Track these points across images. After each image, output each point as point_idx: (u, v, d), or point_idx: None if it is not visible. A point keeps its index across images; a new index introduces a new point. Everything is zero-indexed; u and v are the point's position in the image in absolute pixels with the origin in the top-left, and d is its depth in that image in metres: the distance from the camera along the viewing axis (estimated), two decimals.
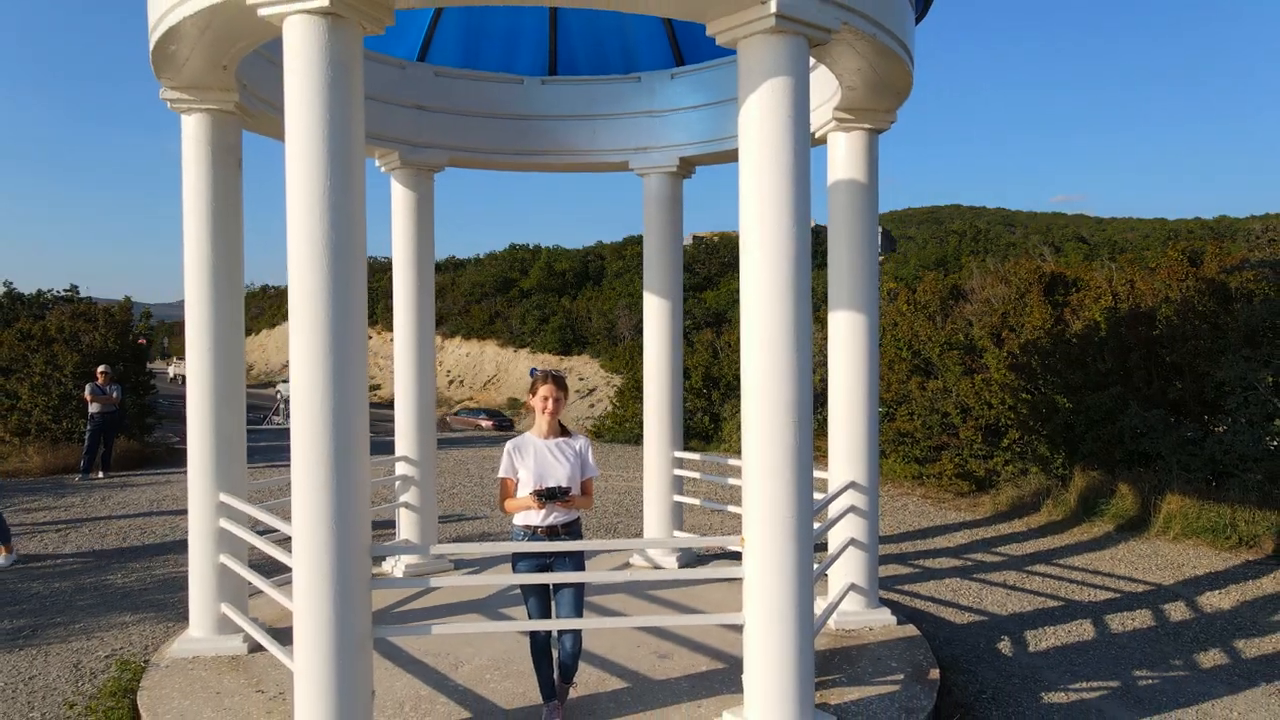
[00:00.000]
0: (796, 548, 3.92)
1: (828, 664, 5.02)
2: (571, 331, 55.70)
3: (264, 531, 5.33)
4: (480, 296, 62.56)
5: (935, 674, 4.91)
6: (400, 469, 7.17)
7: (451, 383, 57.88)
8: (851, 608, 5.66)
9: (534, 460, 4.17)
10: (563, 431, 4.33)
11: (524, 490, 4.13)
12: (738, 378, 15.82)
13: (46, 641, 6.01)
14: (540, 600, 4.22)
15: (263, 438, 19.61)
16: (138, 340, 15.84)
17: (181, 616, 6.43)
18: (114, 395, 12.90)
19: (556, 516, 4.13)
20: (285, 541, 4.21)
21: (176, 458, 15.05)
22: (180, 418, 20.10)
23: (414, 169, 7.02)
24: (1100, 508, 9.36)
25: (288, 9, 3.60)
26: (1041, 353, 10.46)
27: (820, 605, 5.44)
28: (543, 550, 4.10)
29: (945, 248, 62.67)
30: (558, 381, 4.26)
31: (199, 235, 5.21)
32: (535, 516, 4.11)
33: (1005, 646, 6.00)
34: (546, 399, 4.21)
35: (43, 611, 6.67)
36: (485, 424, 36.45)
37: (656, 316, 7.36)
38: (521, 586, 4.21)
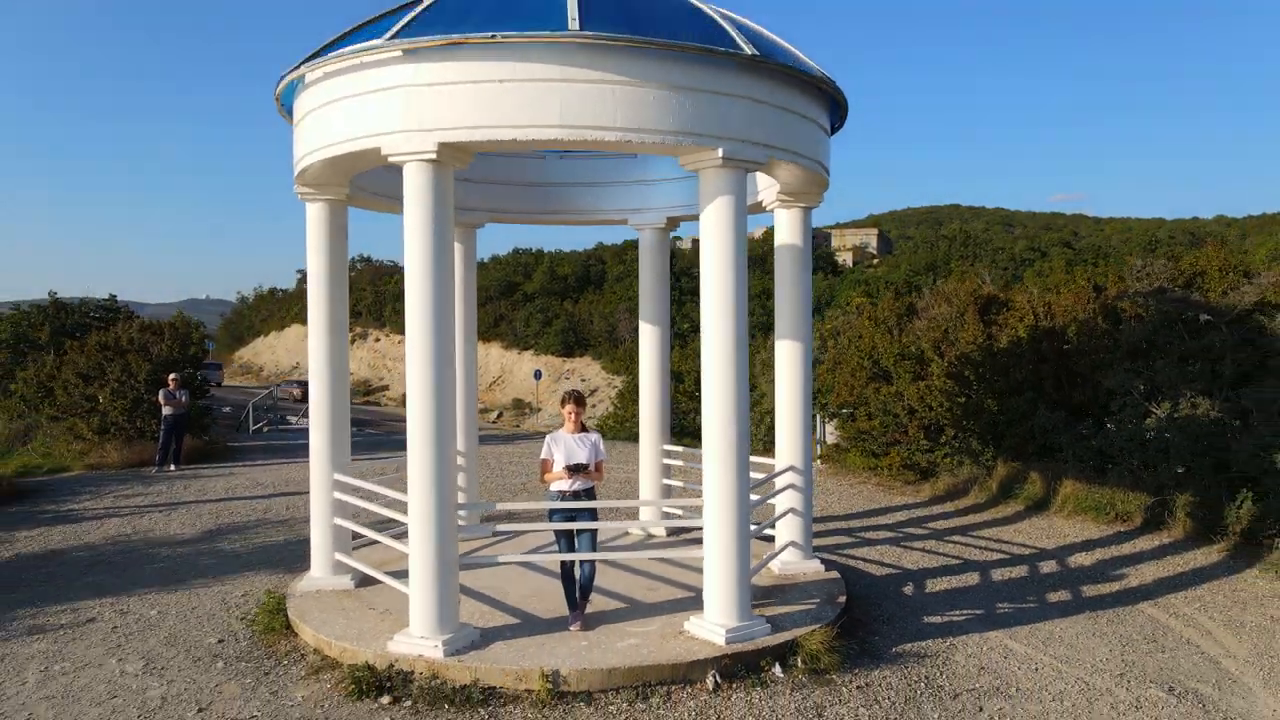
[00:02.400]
0: (737, 506, 5.95)
1: (768, 593, 7.05)
2: (574, 334, 57.70)
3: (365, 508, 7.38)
4: (485, 300, 64.49)
5: (842, 599, 6.94)
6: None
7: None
8: (790, 558, 7.69)
9: (563, 447, 6.23)
10: (583, 429, 6.37)
11: (557, 468, 6.19)
12: None
13: (192, 588, 8.05)
14: (568, 541, 6.27)
15: (298, 436, 21.63)
16: (196, 350, 17.91)
17: (286, 570, 8.49)
18: (183, 399, 14.94)
19: (579, 485, 6.19)
20: (386, 511, 6.27)
21: (232, 454, 17.11)
22: (223, 420, 21.90)
23: (462, 227, 9.06)
24: (1015, 491, 11.40)
25: (409, 158, 5.64)
26: (974, 363, 12.46)
27: (766, 554, 7.51)
28: (570, 508, 6.16)
29: (936, 252, 64.65)
30: (578, 400, 6.35)
31: (319, 288, 7.26)
32: (565, 484, 6.17)
33: (908, 590, 8.03)
34: (571, 411, 6.29)
35: (179, 569, 8.71)
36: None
37: (650, 338, 9.40)
38: (555, 532, 6.26)
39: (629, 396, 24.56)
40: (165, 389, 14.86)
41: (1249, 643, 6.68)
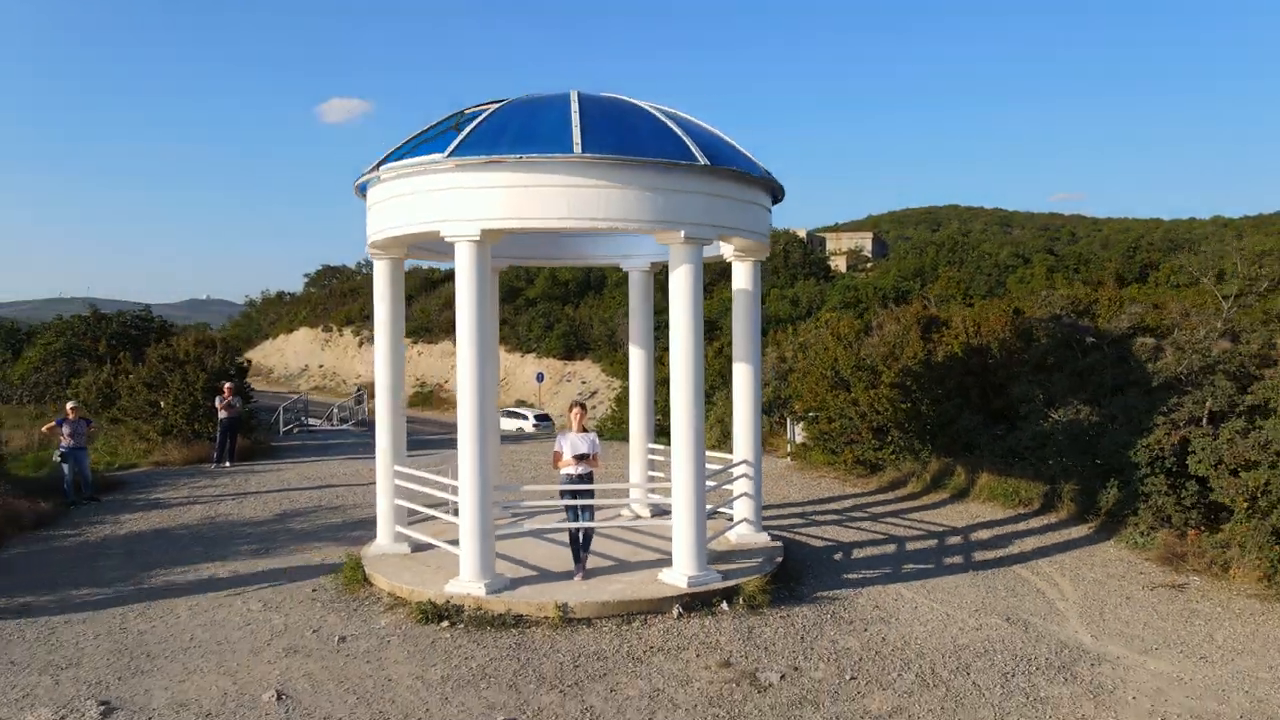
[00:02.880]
0: (695, 488, 8.21)
1: (724, 557, 9.30)
2: (575, 338, 59.87)
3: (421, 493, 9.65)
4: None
5: (779, 560, 9.21)
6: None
7: None
8: (744, 531, 9.95)
9: (569, 442, 8.50)
10: (584, 429, 8.65)
11: (566, 457, 8.46)
12: (712, 386, 20.01)
13: (278, 556, 10.32)
14: (574, 514, 8.55)
15: (329, 436, 23.90)
16: (242, 363, 20.16)
17: (347, 543, 10.73)
18: (236, 405, 17.21)
19: (582, 469, 8.46)
20: (438, 494, 8.55)
21: (275, 452, 19.37)
22: (265, 425, 24.02)
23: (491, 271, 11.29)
24: (944, 482, 13.66)
25: (460, 239, 7.90)
26: (915, 374, 14.70)
27: (725, 528, 9.79)
28: (575, 489, 8.44)
29: (924, 258, 66.83)
30: (582, 406, 8.65)
31: (384, 323, 9.56)
32: (573, 469, 8.44)
33: (838, 556, 10.29)
34: (577, 414, 8.59)
35: (264, 542, 10.98)
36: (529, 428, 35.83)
37: (638, 359, 11.67)
38: (566, 506, 8.54)
39: (624, 403, 26.82)
40: (221, 396, 17.12)
41: (1081, 591, 8.95)
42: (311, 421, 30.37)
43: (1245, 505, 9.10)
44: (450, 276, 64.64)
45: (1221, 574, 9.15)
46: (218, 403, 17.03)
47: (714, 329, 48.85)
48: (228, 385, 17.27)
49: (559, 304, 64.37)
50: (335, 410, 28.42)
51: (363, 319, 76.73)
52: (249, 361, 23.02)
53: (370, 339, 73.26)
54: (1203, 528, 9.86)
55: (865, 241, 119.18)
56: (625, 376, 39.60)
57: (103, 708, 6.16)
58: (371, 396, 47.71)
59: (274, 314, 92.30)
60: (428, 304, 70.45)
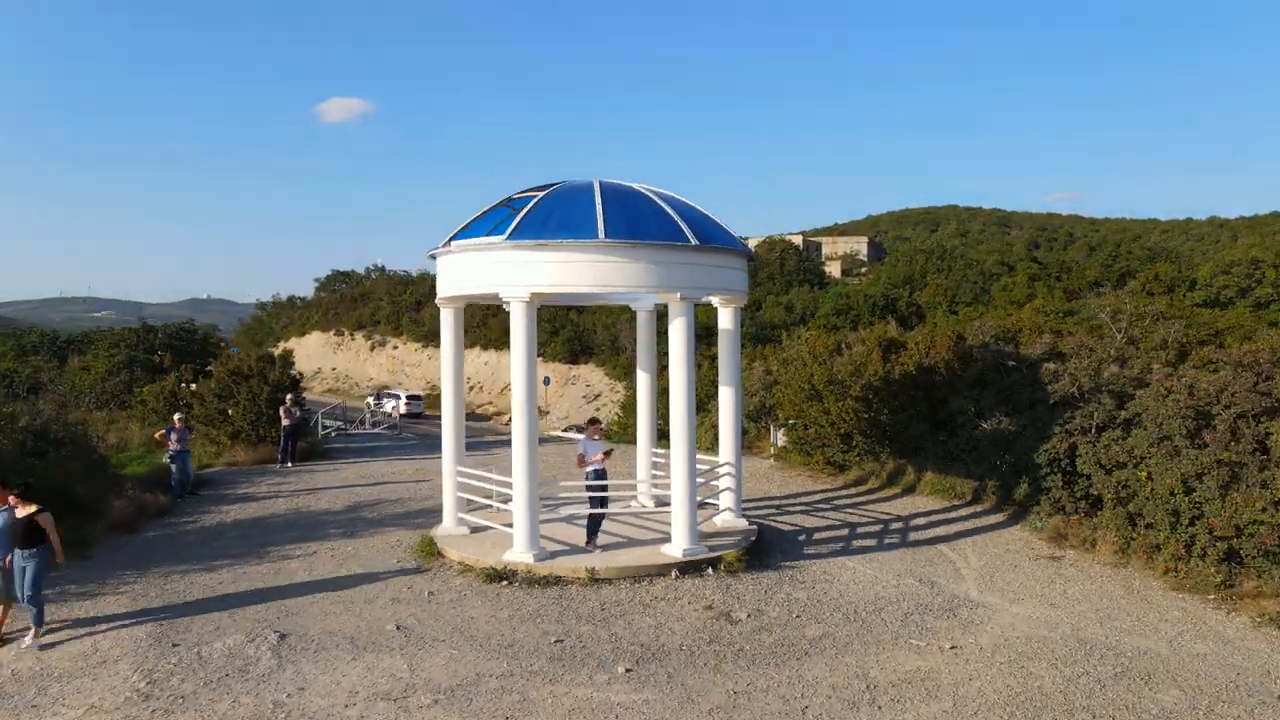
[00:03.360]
0: (688, 483, 11.02)
1: (711, 536, 12.10)
2: (579, 343, 62.67)
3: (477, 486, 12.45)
4: (496, 310, 69.43)
5: (754, 539, 12.03)
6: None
7: (472, 389, 64.86)
8: (727, 518, 12.76)
9: (590, 445, 11.34)
10: (600, 435, 11.49)
11: (590, 456, 11.29)
12: (707, 395, 22.87)
13: (362, 536, 13.12)
14: (596, 500, 11.38)
15: (366, 440, 26.69)
16: (296, 375, 22.98)
17: (414, 528, 13.51)
18: (296, 414, 20.02)
19: (599, 467, 11.29)
20: (493, 488, 11.38)
21: (328, 454, 22.16)
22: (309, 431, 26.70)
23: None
24: (897, 480, 16.46)
25: (514, 298, 10.70)
26: (876, 389, 17.47)
27: (713, 514, 12.61)
28: (595, 484, 11.28)
29: (914, 266, 69.59)
30: (596, 422, 11.50)
31: (449, 357, 12.36)
32: (597, 465, 11.27)
33: (801, 538, 13.09)
34: (595, 429, 11.44)
35: (347, 527, 13.79)
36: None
37: (644, 382, 14.47)
38: (589, 494, 11.39)
39: (630, 410, 29.59)
40: (284, 405, 19.93)
41: (983, 561, 11.74)
42: (345, 425, 33.16)
43: (1112, 497, 11.89)
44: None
45: (1090, 549, 11.96)
46: (281, 411, 19.83)
47: (710, 334, 51.87)
48: (289, 396, 20.09)
49: (563, 310, 67.14)
50: (367, 415, 31.14)
51: (373, 323, 79.66)
52: (301, 374, 25.80)
53: (381, 343, 76.33)
54: (1085, 514, 12.66)
55: (861, 245, 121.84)
56: (624, 379, 42.31)
57: (278, 635, 8.95)
58: (387, 398, 50.53)
59: (286, 317, 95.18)
60: (436, 309, 73.32)
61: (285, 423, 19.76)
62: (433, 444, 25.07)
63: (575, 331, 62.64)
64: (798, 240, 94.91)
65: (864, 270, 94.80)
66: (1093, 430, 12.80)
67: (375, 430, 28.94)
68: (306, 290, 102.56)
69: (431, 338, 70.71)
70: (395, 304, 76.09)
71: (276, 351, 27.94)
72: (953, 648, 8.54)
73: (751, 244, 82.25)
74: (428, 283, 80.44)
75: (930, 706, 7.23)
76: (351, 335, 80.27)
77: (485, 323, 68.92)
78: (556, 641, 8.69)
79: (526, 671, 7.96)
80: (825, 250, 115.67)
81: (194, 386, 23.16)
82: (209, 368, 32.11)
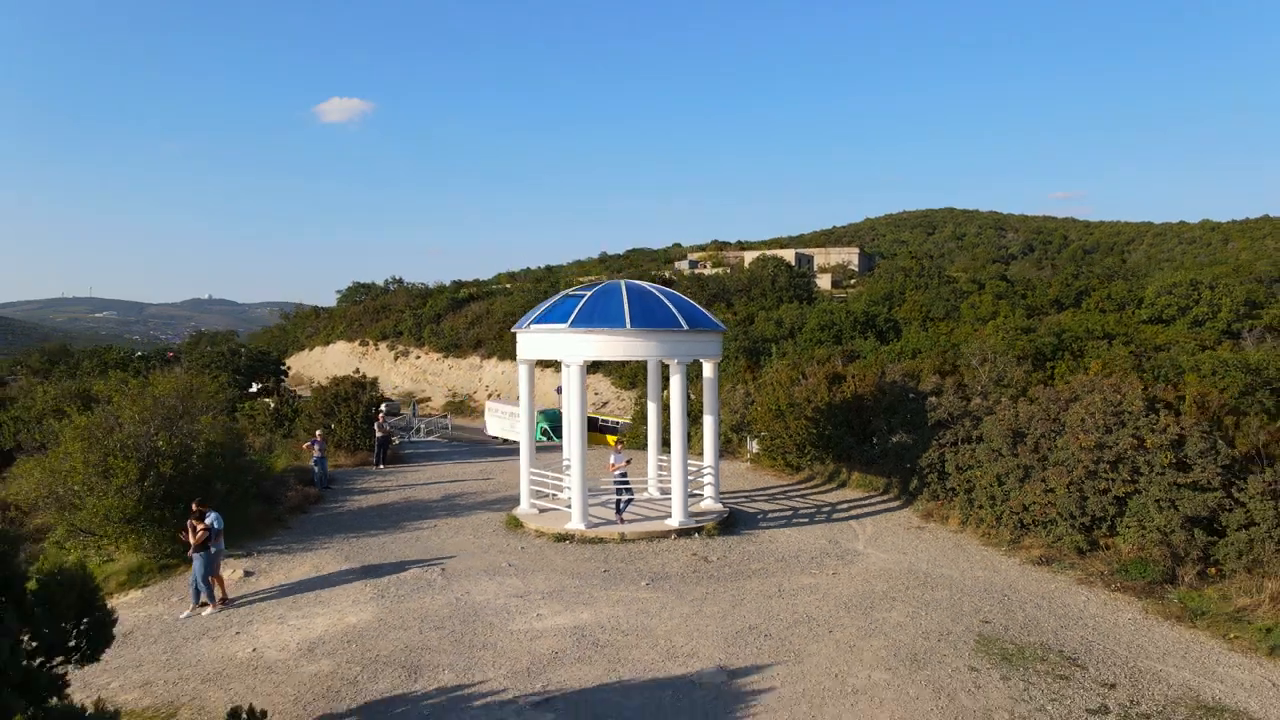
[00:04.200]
0: (682, 480, 17.32)
1: (697, 514, 18.38)
2: None
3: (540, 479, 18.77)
4: (511, 324, 75.72)
5: (726, 516, 18.35)
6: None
7: (490, 395, 71.11)
8: (708, 503, 19.09)
9: (617, 456, 17.67)
10: (622, 447, 17.80)
11: (615, 461, 17.62)
12: (700, 411, 29.09)
13: (462, 516, 19.44)
14: (622, 494, 17.71)
15: (427, 446, 33.00)
16: (382, 395, 29.30)
17: (496, 510, 19.83)
18: (387, 426, 26.30)
19: (623, 473, 17.62)
20: (555, 481, 17.73)
21: (408, 459, 28.45)
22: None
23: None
24: (834, 478, 22.74)
25: (571, 364, 17.01)
26: (823, 411, 23.69)
27: (699, 501, 19.00)
28: (621, 484, 17.62)
29: (894, 283, 75.57)
30: (620, 440, 17.81)
31: (525, 395, 18.68)
32: (618, 473, 17.59)
33: (759, 517, 19.37)
34: (619, 445, 17.77)
35: (449, 510, 20.10)
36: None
37: (652, 405, 20.77)
38: (616, 491, 17.72)
39: (639, 420, 35.87)
40: (377, 421, 26.20)
41: (874, 530, 18.02)
42: (408, 434, 39.21)
43: (961, 488, 18.17)
44: (475, 296, 73.66)
45: (945, 522, 18.25)
46: (376, 426, 26.11)
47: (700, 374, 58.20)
48: (381, 413, 26.37)
49: None
50: (421, 426, 37.29)
51: (395, 334, 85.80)
52: (384, 395, 32.09)
53: (404, 354, 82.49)
54: (945, 500, 18.93)
55: (852, 256, 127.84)
56: (629, 388, 48.98)
57: (440, 569, 15.23)
58: (420, 404, 56.69)
59: (311, 327, 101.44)
60: (455, 322, 79.41)
61: (378, 433, 26.02)
62: (480, 450, 31.41)
63: None
64: (790, 256, 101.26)
65: (853, 282, 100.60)
66: (956, 443, 19.09)
67: (430, 438, 35.13)
68: (314, 293, 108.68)
69: (452, 348, 76.83)
70: (417, 317, 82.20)
71: (308, 352, 34.02)
72: (834, 574, 14.85)
73: (747, 259, 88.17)
74: (445, 296, 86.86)
75: (811, 597, 13.52)
76: (375, 345, 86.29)
77: (501, 335, 75.08)
78: (604, 571, 14.99)
79: (589, 585, 14.25)
80: (818, 261, 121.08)
81: (295, 405, 29.42)
82: (284, 384, 38.42)
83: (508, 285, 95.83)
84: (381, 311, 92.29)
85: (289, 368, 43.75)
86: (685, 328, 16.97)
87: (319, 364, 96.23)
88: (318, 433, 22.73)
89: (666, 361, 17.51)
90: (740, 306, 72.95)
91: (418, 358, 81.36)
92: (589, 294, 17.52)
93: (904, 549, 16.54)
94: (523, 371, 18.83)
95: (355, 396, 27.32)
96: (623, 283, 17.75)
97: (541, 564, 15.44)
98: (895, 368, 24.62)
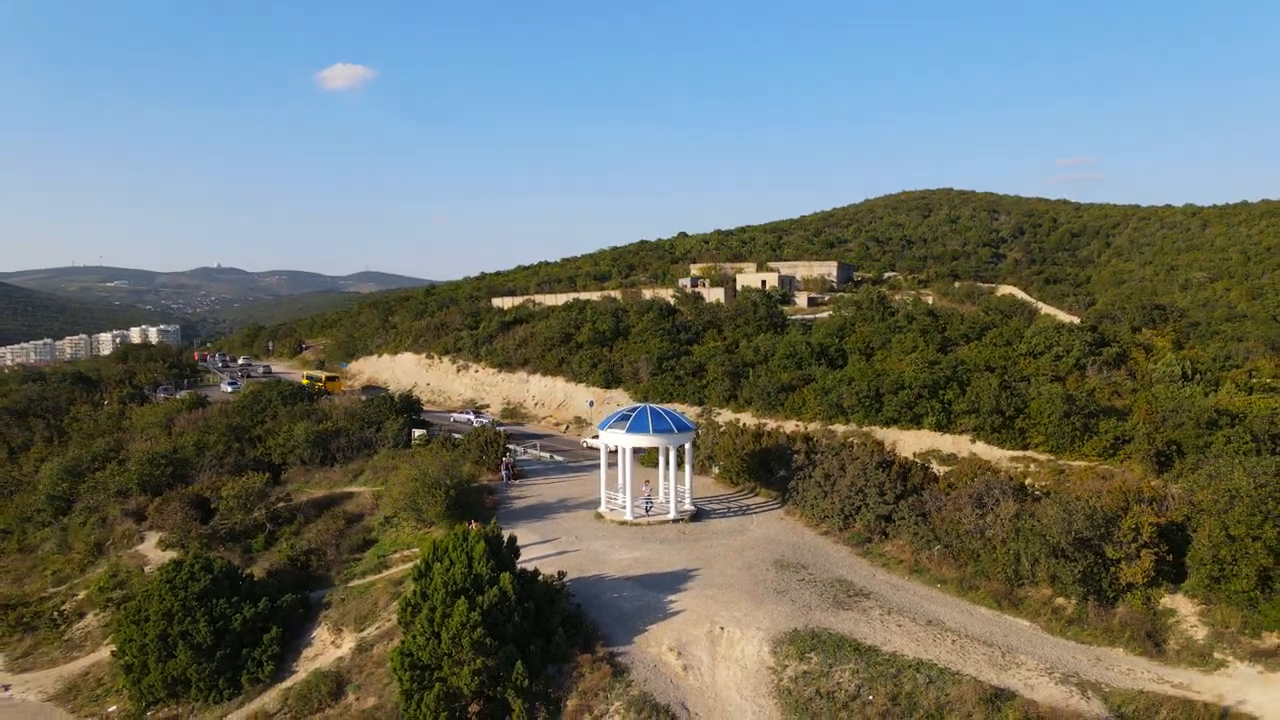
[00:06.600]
0: (675, 493, 38.91)
1: (682, 511, 39.95)
2: (610, 373, 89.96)
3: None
4: (551, 345, 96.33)
5: (696, 512, 40.04)
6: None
7: (536, 404, 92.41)
8: (687, 505, 40.72)
9: (645, 486, 39.40)
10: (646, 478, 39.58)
11: (640, 487, 39.31)
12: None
13: (571, 511, 41.22)
14: (647, 502, 39.48)
15: (535, 464, 54.70)
16: (504, 432, 50.80)
17: (590, 507, 41.59)
18: (511, 460, 47.99)
19: (650, 489, 39.32)
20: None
21: (527, 474, 50.04)
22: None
23: None
24: (757, 492, 44.27)
25: (625, 449, 38.54)
26: (753, 451, 44.77)
27: (682, 502, 40.93)
28: (648, 499, 39.40)
29: (846, 315, 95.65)
30: (649, 479, 39.68)
31: (604, 455, 40.35)
32: (646, 490, 39.27)
33: (712, 513, 40.93)
34: (644, 475, 39.60)
35: (573, 506, 41.89)
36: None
37: (661, 461, 42.33)
38: (644, 500, 39.52)
39: (652, 463, 57.74)
40: (505, 459, 47.86)
41: (760, 519, 39.64)
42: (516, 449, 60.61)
43: (812, 495, 39.67)
44: (520, 319, 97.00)
45: (799, 517, 39.80)
46: (503, 461, 47.72)
47: (700, 371, 79.37)
48: (508, 452, 48.00)
49: (599, 347, 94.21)
50: (527, 454, 58.52)
51: (455, 350, 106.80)
52: (508, 435, 53.51)
53: (465, 367, 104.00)
54: (797, 505, 40.38)
55: (831, 269, 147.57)
56: (644, 400, 70.96)
57: (574, 534, 36.83)
58: (478, 411, 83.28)
59: (380, 338, 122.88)
60: (506, 342, 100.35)
61: (506, 459, 47.56)
62: (566, 467, 52.83)
63: (609, 366, 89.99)
64: (773, 279, 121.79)
65: (826, 299, 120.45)
66: (804, 476, 40.57)
67: (540, 454, 56.63)
68: (322, 263, 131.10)
69: (505, 365, 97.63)
70: (474, 337, 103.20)
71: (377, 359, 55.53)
72: (736, 538, 36.44)
73: (741, 280, 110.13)
74: (496, 317, 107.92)
75: (723, 547, 35.13)
76: (439, 359, 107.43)
77: (543, 355, 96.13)
78: (641, 538, 36.66)
79: (635, 542, 35.94)
80: (801, 274, 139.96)
81: (455, 442, 50.96)
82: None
83: (536, 298, 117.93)
84: (442, 329, 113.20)
85: (386, 384, 65.27)
86: (677, 431, 38.29)
87: (389, 370, 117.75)
88: (505, 459, 44.54)
89: (669, 446, 38.90)
90: (729, 331, 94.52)
91: (476, 371, 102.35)
92: (633, 414, 38.79)
93: (770, 528, 38.00)
94: (603, 442, 40.16)
95: (495, 441, 48.85)
96: (648, 408, 39.04)
97: (614, 533, 36.91)
98: (787, 426, 45.97)
